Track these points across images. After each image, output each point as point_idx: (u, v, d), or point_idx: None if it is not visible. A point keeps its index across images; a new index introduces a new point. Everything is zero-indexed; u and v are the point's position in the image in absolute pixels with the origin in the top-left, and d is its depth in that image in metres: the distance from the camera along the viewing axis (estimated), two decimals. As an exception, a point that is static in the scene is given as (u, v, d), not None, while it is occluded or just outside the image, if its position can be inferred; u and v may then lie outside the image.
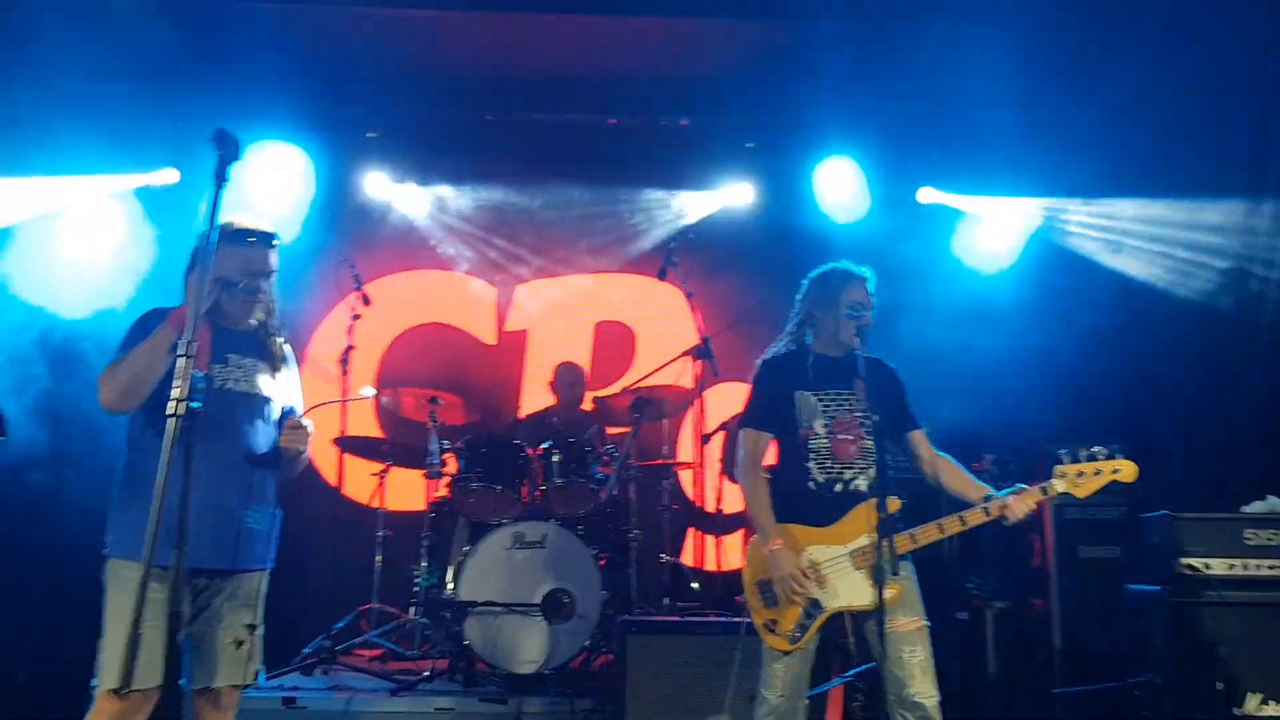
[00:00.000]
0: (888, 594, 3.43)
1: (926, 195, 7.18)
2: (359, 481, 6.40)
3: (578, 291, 7.69)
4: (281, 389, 3.41)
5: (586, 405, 6.86)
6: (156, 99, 6.79)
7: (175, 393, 2.48)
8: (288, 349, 3.51)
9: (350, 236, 7.33)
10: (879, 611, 3.41)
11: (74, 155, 6.46)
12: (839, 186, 7.24)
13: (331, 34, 6.62)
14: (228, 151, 2.71)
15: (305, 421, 3.30)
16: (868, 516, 3.55)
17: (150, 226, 6.92)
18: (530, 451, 5.75)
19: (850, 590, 3.59)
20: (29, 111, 5.90)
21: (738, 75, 6.94)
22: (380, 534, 5.92)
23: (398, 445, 6.12)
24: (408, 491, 6.40)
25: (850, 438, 3.73)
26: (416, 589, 5.63)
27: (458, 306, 7.64)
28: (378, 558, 5.89)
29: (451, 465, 5.81)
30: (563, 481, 5.63)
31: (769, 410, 3.83)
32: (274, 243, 3.35)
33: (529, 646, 5.13)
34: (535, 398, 7.25)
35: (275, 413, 3.38)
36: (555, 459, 5.68)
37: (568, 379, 6.75)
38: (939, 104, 6.73)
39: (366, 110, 7.32)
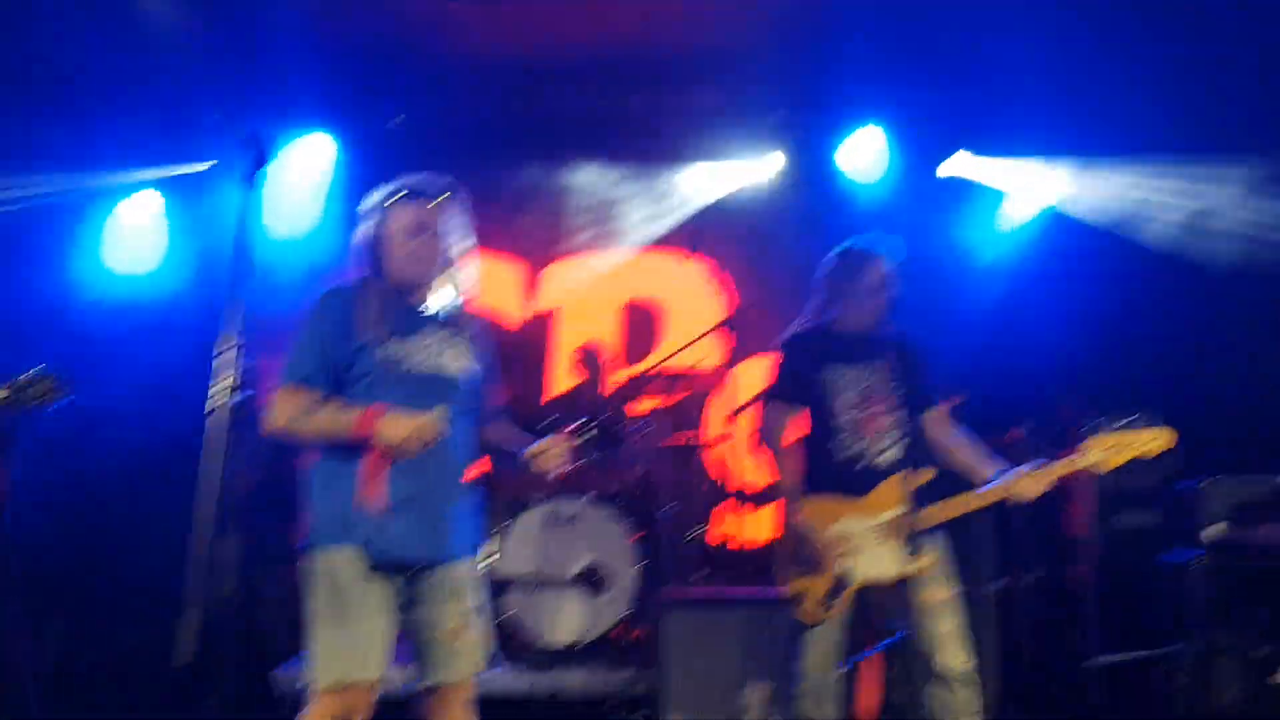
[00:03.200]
0: (918, 565, 3.46)
1: (958, 162, 7.11)
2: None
3: (606, 270, 7.70)
4: (478, 363, 3.21)
5: (613, 384, 6.90)
6: (191, 90, 6.88)
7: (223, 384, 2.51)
8: (484, 319, 3.34)
9: (461, 196, 7.35)
10: (910, 582, 3.45)
11: (113, 149, 6.58)
12: (870, 155, 7.18)
13: (359, 20, 6.64)
14: (260, 153, 2.74)
15: (545, 444, 3.19)
16: (899, 488, 3.59)
17: (186, 217, 7.08)
18: (562, 430, 5.78)
19: (881, 561, 3.62)
20: (69, 106, 5.97)
21: (764, 45, 6.88)
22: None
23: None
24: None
25: (879, 411, 3.75)
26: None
27: (485, 288, 7.66)
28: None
29: (486, 444, 5.86)
30: (594, 459, 5.69)
31: (795, 384, 3.85)
32: (446, 196, 3.16)
33: (567, 620, 5.22)
34: (565, 376, 7.30)
35: (472, 389, 3.17)
36: (586, 436, 5.71)
37: (590, 359, 6.78)
38: (972, 67, 6.63)
39: (393, 95, 7.35)
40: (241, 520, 2.62)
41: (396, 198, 3.12)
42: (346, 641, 2.82)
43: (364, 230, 3.14)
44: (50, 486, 5.85)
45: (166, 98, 6.68)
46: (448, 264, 3.15)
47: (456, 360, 3.11)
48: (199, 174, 7.16)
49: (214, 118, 7.12)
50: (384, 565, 2.91)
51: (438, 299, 3.15)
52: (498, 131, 7.48)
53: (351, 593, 2.84)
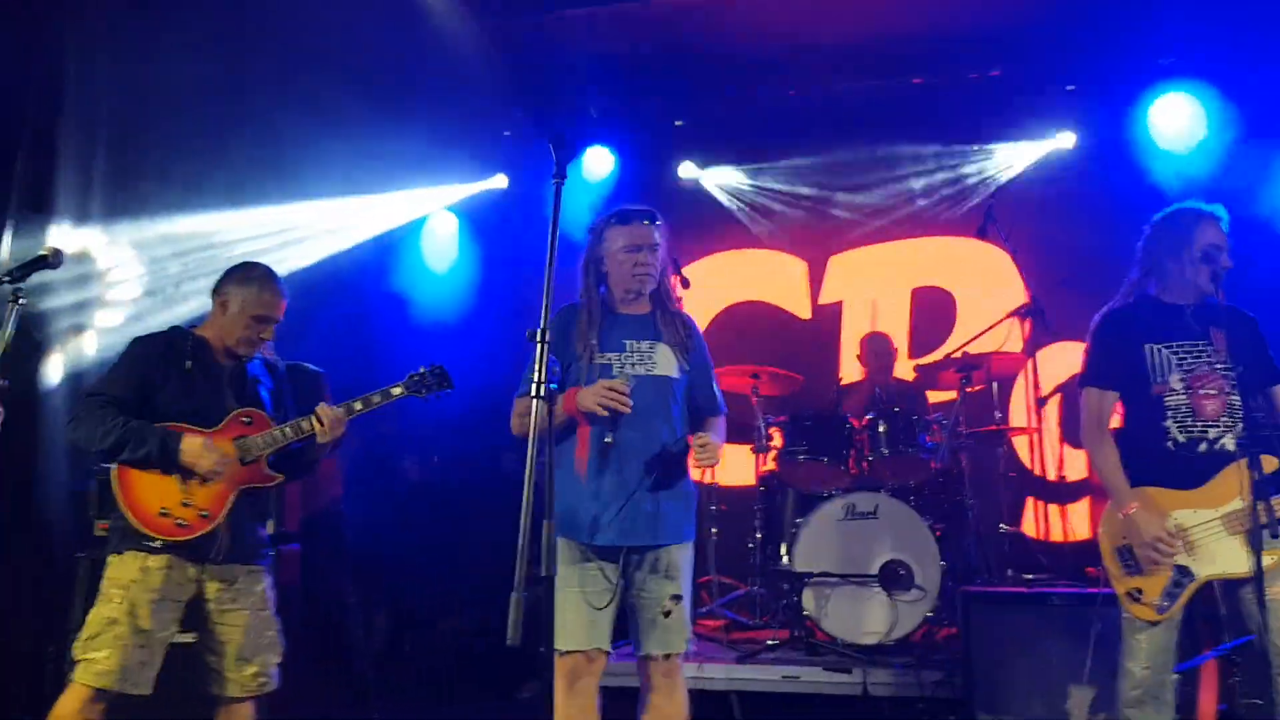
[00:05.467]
0: (1267, 560, 3.14)
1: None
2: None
3: (892, 258, 7.52)
4: (687, 365, 3.49)
5: (907, 374, 6.71)
6: (481, 111, 7.37)
7: (535, 377, 2.67)
8: (692, 324, 3.60)
9: (664, 224, 7.55)
10: (1257, 579, 3.13)
11: (408, 170, 7.18)
12: (1178, 123, 6.62)
13: (636, 31, 6.85)
14: (565, 153, 2.90)
15: (712, 439, 3.32)
16: (1240, 478, 3.28)
17: (482, 233, 7.61)
18: (854, 422, 5.71)
19: (1225, 556, 3.32)
20: (366, 132, 6.53)
21: (1050, 16, 6.50)
22: (714, 508, 6.10)
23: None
24: (736, 467, 6.55)
25: (1212, 392, 3.43)
26: (753, 561, 5.76)
27: (771, 283, 7.71)
28: (713, 531, 6.07)
29: (777, 439, 5.89)
30: (890, 451, 5.55)
31: (1113, 366, 3.58)
32: (656, 220, 3.53)
33: (870, 618, 5.12)
34: (854, 369, 7.18)
35: (682, 390, 3.48)
36: (881, 429, 5.61)
37: (875, 349, 6.61)
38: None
39: (672, 100, 7.53)
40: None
41: (612, 221, 3.52)
42: (574, 617, 3.27)
43: (588, 250, 3.56)
44: (378, 476, 6.46)
45: (465, 118, 7.20)
46: (659, 277, 3.50)
47: (667, 363, 3.44)
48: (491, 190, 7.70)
49: (506, 138, 7.63)
50: (601, 553, 3.32)
51: (651, 307, 3.52)
52: (776, 129, 7.49)
53: (575, 577, 3.30)
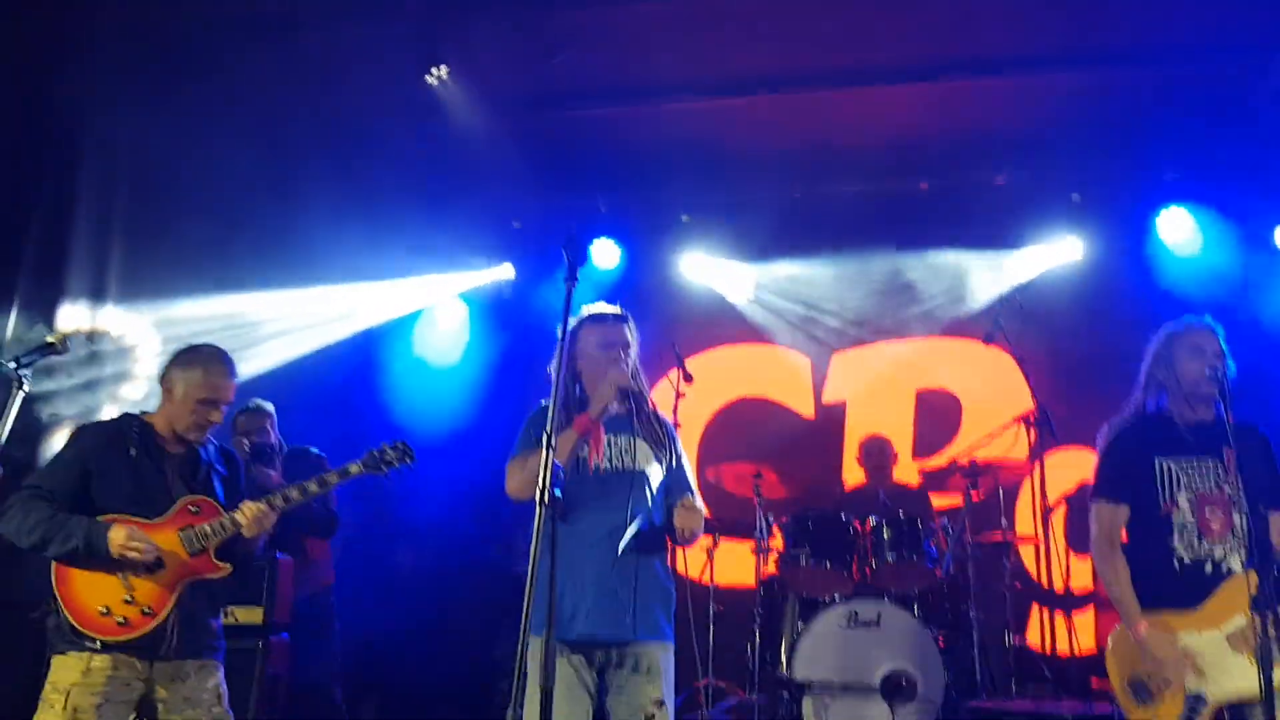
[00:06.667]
0: (1277, 677, 3.05)
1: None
2: (689, 556, 6.51)
3: (896, 359, 7.51)
4: (663, 462, 3.49)
5: (911, 476, 6.64)
6: (491, 201, 7.46)
7: (539, 482, 2.62)
8: (667, 423, 3.60)
9: (667, 316, 7.59)
10: (1268, 699, 3.04)
11: (416, 259, 7.23)
12: (1182, 237, 6.69)
13: (646, 130, 6.97)
14: (577, 255, 2.92)
15: (698, 503, 3.35)
16: (1241, 592, 3.22)
17: (487, 323, 7.64)
18: (858, 526, 5.63)
19: (1234, 677, 3.24)
20: (371, 221, 6.59)
21: (1056, 126, 6.62)
22: (712, 609, 5.97)
23: (724, 521, 6.17)
24: (735, 567, 6.44)
25: (1218, 512, 3.40)
26: (751, 666, 5.62)
27: (775, 380, 7.69)
28: (710, 632, 5.93)
29: (778, 540, 5.79)
30: (894, 557, 5.45)
31: (1124, 480, 3.55)
32: (626, 321, 3.56)
33: (870, 731, 4.96)
34: (857, 471, 7.12)
35: (656, 487, 3.46)
36: (885, 534, 5.52)
37: (873, 451, 6.55)
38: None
39: (679, 196, 7.61)
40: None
41: (586, 323, 3.54)
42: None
43: (564, 351, 3.48)
44: (370, 565, 6.36)
45: (476, 208, 7.28)
46: (633, 374, 3.48)
47: (644, 458, 3.43)
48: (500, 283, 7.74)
49: (510, 228, 7.70)
50: (575, 648, 3.21)
51: (626, 405, 3.46)
52: (781, 228, 7.55)
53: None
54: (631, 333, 3.56)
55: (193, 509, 3.40)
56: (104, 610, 3.23)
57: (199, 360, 3.47)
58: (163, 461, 3.44)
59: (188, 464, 3.50)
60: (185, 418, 3.42)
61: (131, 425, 3.44)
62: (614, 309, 3.60)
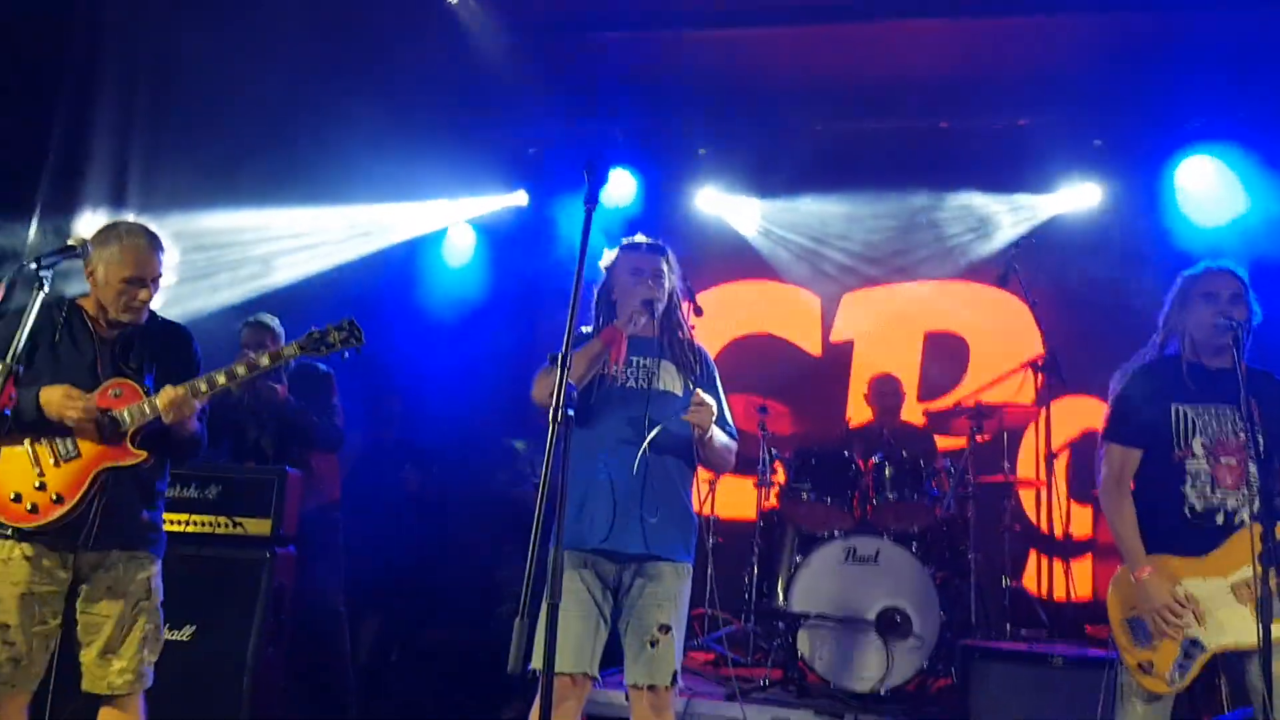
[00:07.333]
0: (1276, 631, 3.07)
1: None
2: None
3: (906, 300, 7.48)
4: (690, 385, 3.50)
5: (916, 417, 6.65)
6: (507, 126, 7.38)
7: (553, 400, 2.62)
8: (704, 354, 3.66)
9: (681, 250, 7.51)
10: (1265, 650, 3.06)
11: (433, 181, 7.17)
12: (1203, 185, 6.60)
13: (667, 58, 6.85)
14: (597, 178, 2.88)
15: (707, 397, 3.35)
16: (1251, 544, 3.20)
17: (498, 250, 7.61)
18: (860, 464, 5.66)
19: (1235, 626, 3.25)
20: (390, 141, 6.52)
21: (1081, 70, 6.50)
22: (711, 540, 6.03)
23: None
24: (736, 499, 6.49)
25: (1232, 461, 3.37)
26: (748, 596, 5.68)
27: (784, 317, 7.67)
28: (709, 562, 5.98)
29: (780, 475, 5.83)
30: (895, 496, 5.49)
31: (1139, 423, 3.49)
32: (662, 253, 3.63)
33: (864, 663, 5.03)
34: (862, 409, 7.13)
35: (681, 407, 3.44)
36: (887, 473, 5.55)
37: (884, 389, 6.57)
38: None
39: (697, 128, 7.51)
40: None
41: (622, 251, 3.66)
42: (561, 638, 2.96)
43: (601, 284, 3.69)
44: (376, 485, 6.42)
45: (490, 132, 7.20)
46: (667, 304, 3.59)
47: (671, 381, 3.52)
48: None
49: (526, 154, 7.63)
50: (592, 561, 3.31)
51: (659, 331, 3.58)
52: (799, 163, 7.47)
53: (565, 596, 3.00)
54: (669, 264, 3.64)
55: (114, 392, 3.27)
56: (14, 497, 3.15)
57: (115, 237, 3.31)
58: (92, 345, 3.33)
59: (119, 347, 3.36)
60: (113, 299, 3.29)
61: (61, 309, 3.33)
62: (651, 240, 3.69)
